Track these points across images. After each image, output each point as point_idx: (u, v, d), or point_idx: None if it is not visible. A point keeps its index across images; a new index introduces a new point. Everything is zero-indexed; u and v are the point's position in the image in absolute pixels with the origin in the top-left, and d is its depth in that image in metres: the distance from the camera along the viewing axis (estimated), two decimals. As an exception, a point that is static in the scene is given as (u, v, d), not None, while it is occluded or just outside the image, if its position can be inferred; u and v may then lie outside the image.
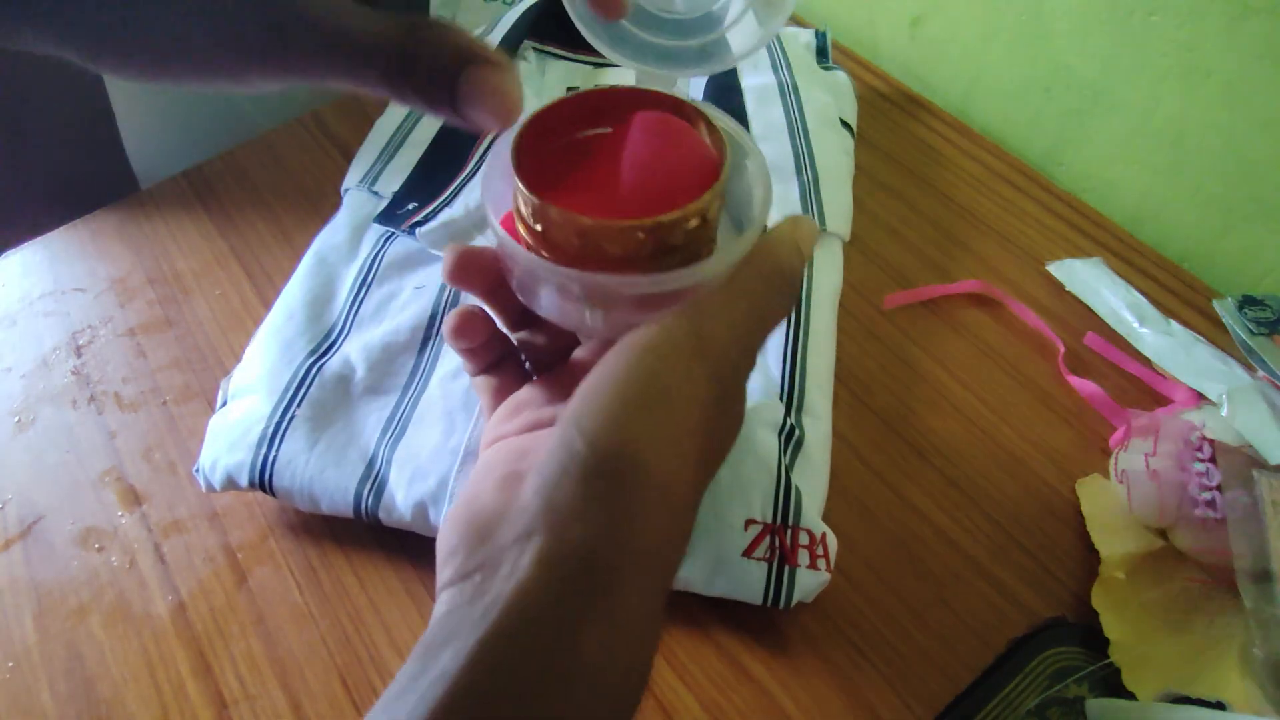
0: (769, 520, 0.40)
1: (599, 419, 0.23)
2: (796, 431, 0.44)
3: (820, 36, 0.65)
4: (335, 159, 0.63)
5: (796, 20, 0.74)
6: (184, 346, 0.53)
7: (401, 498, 0.41)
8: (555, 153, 0.30)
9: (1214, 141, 0.55)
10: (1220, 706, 0.36)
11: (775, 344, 0.46)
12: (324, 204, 0.56)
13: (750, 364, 0.26)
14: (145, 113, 0.65)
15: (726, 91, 0.56)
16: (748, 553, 0.39)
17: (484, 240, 0.49)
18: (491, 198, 0.33)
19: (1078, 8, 0.58)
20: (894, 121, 0.66)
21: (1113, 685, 0.38)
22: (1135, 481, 0.44)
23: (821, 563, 0.39)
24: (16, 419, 0.50)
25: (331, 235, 0.52)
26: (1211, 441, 0.44)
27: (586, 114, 0.30)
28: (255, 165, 0.63)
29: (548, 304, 0.33)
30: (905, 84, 0.69)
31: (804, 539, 0.39)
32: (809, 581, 0.39)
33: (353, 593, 0.42)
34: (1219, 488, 0.42)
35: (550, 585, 0.21)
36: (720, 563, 0.39)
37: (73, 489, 0.46)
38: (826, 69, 0.63)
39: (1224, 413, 0.46)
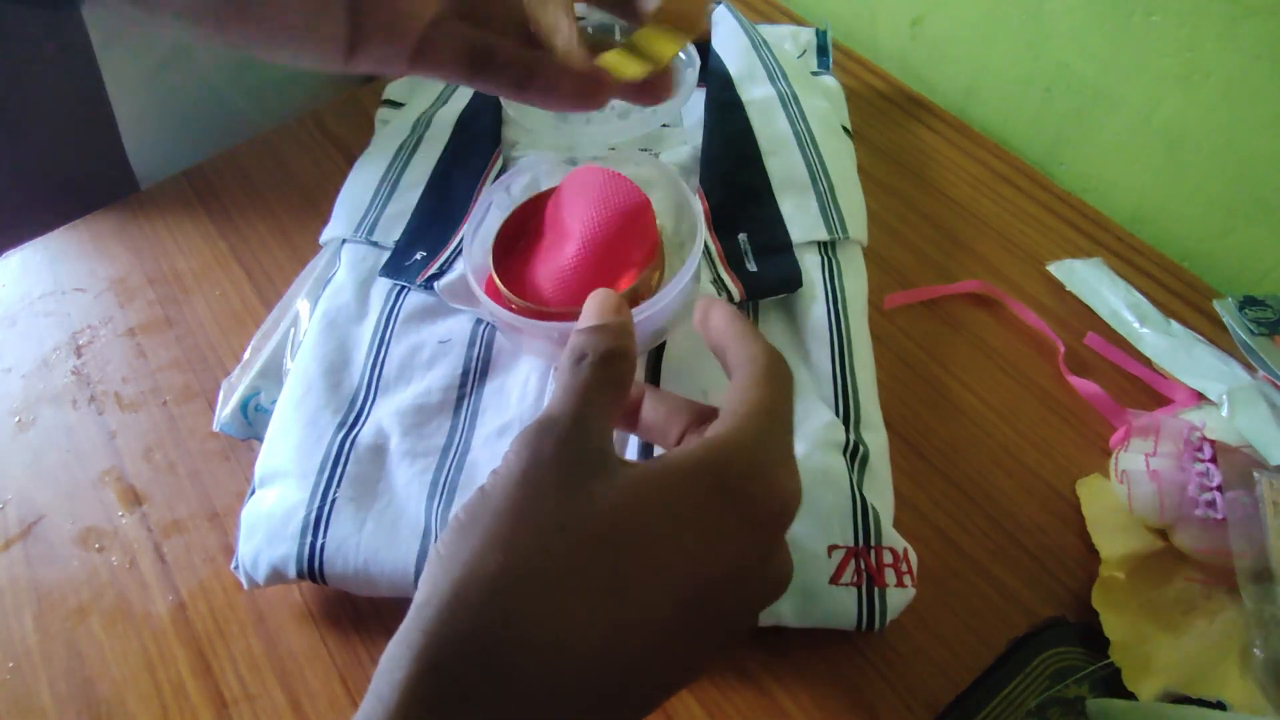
0: (851, 543, 0.39)
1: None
2: (861, 448, 0.43)
3: (821, 35, 0.65)
4: (335, 159, 0.63)
5: (796, 19, 0.74)
6: (184, 346, 0.53)
7: None
8: (520, 235, 0.44)
9: (1214, 141, 0.55)
10: (1220, 706, 0.36)
11: (823, 361, 0.45)
12: (324, 204, 0.55)
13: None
14: (145, 113, 0.65)
15: (729, 109, 0.55)
16: (835, 579, 0.38)
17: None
18: (473, 269, 0.43)
19: (1078, 8, 0.58)
20: (894, 121, 0.66)
21: (1113, 685, 0.38)
22: (1135, 481, 0.44)
23: (907, 579, 0.39)
24: (16, 419, 0.50)
25: (336, 295, 0.49)
26: (1211, 441, 0.44)
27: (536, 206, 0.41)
28: (255, 165, 0.63)
29: (535, 351, 0.44)
30: (905, 84, 0.69)
31: (888, 557, 0.39)
32: (898, 599, 0.38)
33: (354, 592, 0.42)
34: (1219, 488, 0.42)
35: None
36: (809, 594, 0.38)
37: (73, 489, 0.46)
38: (816, 74, 0.63)
39: (1224, 413, 0.46)
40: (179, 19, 0.24)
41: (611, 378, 0.28)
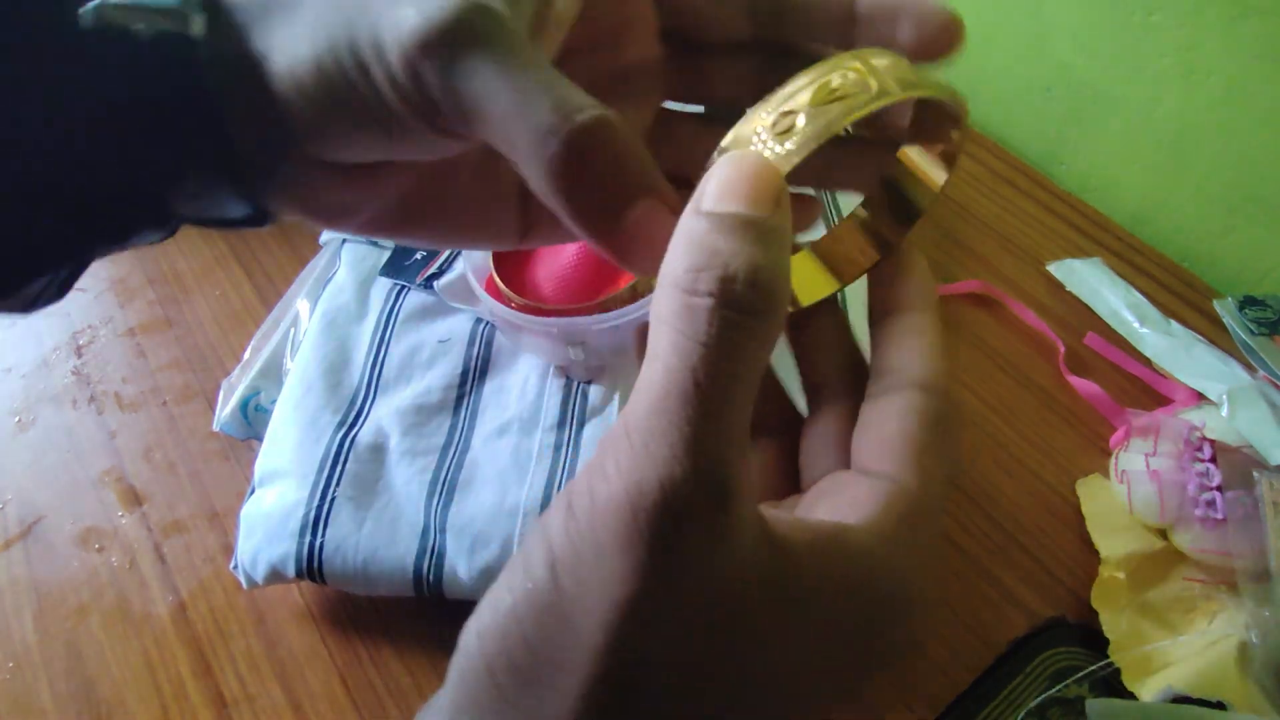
0: None
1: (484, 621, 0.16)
2: None
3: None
4: (335, 159, 0.63)
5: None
6: (184, 346, 0.53)
7: (464, 568, 0.39)
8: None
9: (1214, 141, 0.55)
10: (1220, 706, 0.36)
11: None
12: (324, 204, 0.55)
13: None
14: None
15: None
16: None
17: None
18: (473, 268, 0.43)
19: (1078, 8, 0.58)
20: (894, 121, 0.66)
21: (1113, 685, 0.38)
22: (1135, 481, 0.44)
23: None
24: (17, 419, 0.50)
25: (336, 295, 0.49)
26: (1211, 441, 0.44)
27: None
28: (255, 165, 0.63)
29: (535, 349, 0.45)
30: (905, 84, 0.69)
31: None
32: None
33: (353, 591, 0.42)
34: (1219, 488, 0.42)
35: None
36: None
37: (73, 489, 0.46)
38: None
39: (1224, 413, 0.46)
40: (359, 231, 0.24)
41: (766, 342, 0.15)
